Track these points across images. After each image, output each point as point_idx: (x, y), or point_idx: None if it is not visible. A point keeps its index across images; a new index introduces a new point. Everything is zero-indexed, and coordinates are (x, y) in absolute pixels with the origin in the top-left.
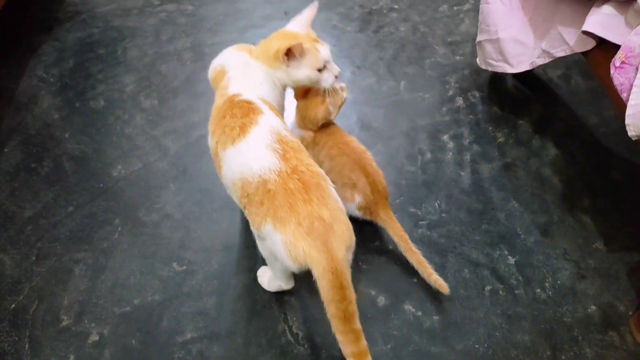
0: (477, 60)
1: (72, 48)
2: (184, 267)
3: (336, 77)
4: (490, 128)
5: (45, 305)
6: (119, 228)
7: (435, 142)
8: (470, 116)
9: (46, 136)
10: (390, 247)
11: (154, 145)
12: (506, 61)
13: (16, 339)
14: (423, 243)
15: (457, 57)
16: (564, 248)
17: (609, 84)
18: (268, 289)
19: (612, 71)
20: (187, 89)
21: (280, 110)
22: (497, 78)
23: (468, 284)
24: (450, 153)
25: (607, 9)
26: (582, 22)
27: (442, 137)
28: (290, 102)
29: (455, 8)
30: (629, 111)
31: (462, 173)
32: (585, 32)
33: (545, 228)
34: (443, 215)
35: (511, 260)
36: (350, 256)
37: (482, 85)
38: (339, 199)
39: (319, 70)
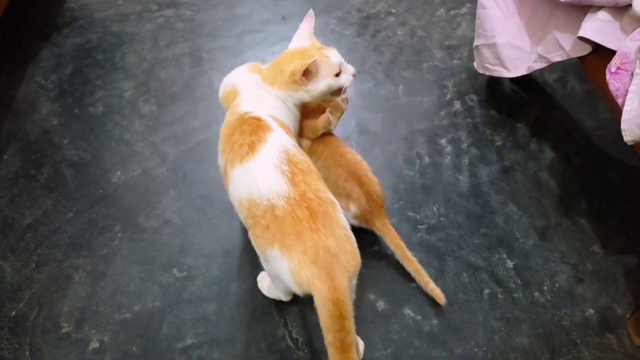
0: (475, 64)
1: (70, 54)
2: (184, 273)
3: (354, 75)
4: (488, 131)
5: (46, 312)
6: (119, 234)
7: (434, 146)
8: (468, 120)
9: (45, 142)
10: (389, 252)
11: (153, 151)
12: (503, 66)
13: (17, 346)
14: (422, 247)
15: (455, 61)
16: (561, 251)
17: (605, 89)
18: (267, 295)
19: (607, 77)
20: (185, 94)
21: (294, 132)
22: (494, 81)
23: (467, 288)
24: (449, 157)
25: (602, 15)
26: (578, 27)
27: (440, 140)
28: None
29: (452, 12)
30: (624, 117)
31: (461, 177)
32: (581, 38)
33: (543, 231)
34: (441, 219)
35: (510, 263)
36: (354, 282)
37: (479, 89)
38: (347, 225)
39: (336, 75)
